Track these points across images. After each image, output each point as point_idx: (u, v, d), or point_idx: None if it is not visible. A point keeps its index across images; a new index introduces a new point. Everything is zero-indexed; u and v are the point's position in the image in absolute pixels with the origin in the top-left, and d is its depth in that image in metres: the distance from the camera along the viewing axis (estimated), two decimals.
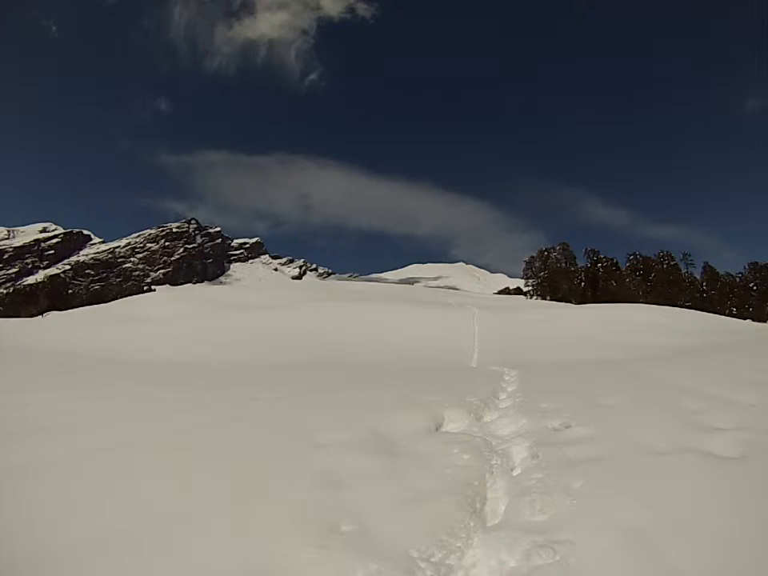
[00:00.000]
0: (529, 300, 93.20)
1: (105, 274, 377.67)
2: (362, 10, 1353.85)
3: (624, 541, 3.41)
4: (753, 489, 4.05)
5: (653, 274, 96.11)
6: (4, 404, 8.86)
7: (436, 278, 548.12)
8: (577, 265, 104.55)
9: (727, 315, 70.20)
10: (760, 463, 4.51)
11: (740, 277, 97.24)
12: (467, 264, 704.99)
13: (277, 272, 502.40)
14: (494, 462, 5.26)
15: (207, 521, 3.98)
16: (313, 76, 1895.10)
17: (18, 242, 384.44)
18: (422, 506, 4.18)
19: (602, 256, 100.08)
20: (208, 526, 3.91)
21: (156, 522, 3.98)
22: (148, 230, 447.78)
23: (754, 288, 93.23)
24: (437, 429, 6.72)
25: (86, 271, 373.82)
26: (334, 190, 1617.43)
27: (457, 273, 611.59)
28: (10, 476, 4.94)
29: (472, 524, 3.94)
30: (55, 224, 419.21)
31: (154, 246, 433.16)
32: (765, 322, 68.85)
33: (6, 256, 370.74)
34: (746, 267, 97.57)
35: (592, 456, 5.04)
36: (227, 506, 4.23)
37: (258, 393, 10.27)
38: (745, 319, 63.11)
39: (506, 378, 12.37)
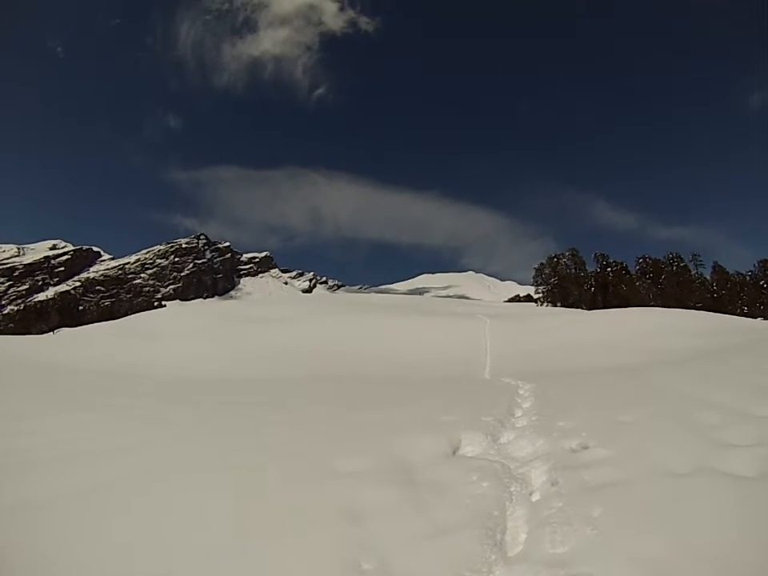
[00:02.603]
0: (539, 307, 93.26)
1: (115, 291, 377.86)
2: (365, 24, 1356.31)
3: (646, 575, 3.40)
4: None
5: (662, 277, 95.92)
6: (13, 431, 8.87)
7: (446, 288, 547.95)
8: (587, 270, 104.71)
9: (738, 314, 70.00)
10: None
11: (750, 275, 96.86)
12: (477, 273, 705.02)
13: (287, 285, 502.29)
14: (513, 488, 5.23)
15: (222, 560, 3.99)
16: (320, 90, 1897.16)
17: (28, 259, 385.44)
18: (444, 539, 4.16)
19: (612, 260, 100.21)
20: (223, 566, 3.92)
21: (172, 562, 3.99)
22: (158, 246, 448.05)
23: (765, 286, 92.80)
24: (454, 453, 6.69)
25: (97, 288, 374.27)
26: (344, 203, 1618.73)
27: (466, 282, 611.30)
28: (28, 513, 4.92)
29: (493, 557, 3.93)
30: (65, 241, 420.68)
31: (163, 262, 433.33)
32: None
33: (16, 273, 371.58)
34: (756, 265, 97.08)
35: (611, 480, 5.01)
36: (243, 543, 4.23)
37: (274, 415, 10.25)
38: (756, 318, 62.88)
39: (521, 393, 12.29)
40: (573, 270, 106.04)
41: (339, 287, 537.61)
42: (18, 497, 5.37)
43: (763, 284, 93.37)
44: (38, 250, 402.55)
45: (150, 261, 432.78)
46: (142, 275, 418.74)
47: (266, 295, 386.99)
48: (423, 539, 4.19)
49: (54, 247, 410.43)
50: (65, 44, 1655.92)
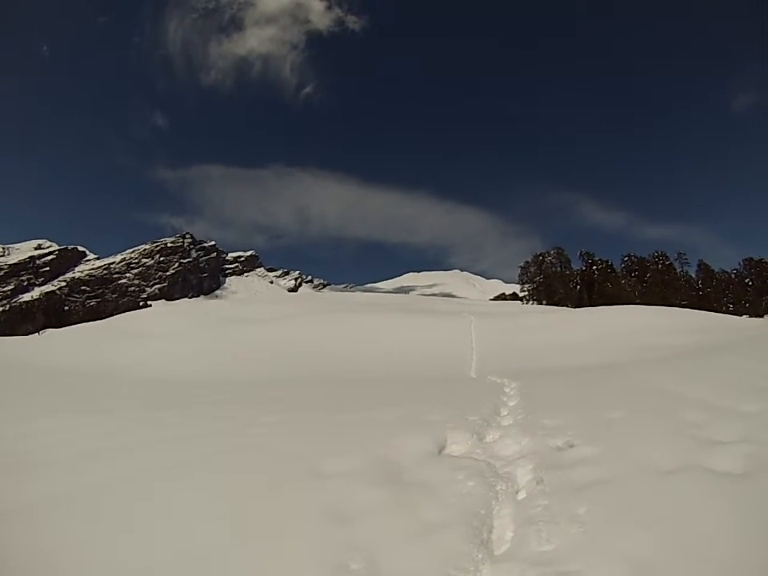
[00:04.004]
0: (525, 305, 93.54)
1: (100, 290, 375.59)
2: (352, 23, 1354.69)
3: (632, 571, 3.41)
4: (757, 509, 4.03)
5: (648, 275, 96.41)
6: (7, 433, 8.82)
7: (431, 286, 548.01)
8: (572, 268, 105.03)
9: (724, 312, 70.47)
10: (763, 479, 4.50)
11: (735, 273, 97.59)
12: (462, 271, 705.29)
13: (272, 285, 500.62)
14: (499, 487, 5.24)
15: (213, 562, 3.98)
16: (308, 89, 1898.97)
17: (12, 259, 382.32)
18: (431, 539, 4.18)
19: (597, 258, 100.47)
20: (214, 568, 3.91)
21: (163, 566, 3.96)
22: (143, 246, 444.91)
23: (750, 283, 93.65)
24: (440, 452, 6.69)
25: (82, 288, 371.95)
26: (331, 202, 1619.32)
27: (452, 280, 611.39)
28: (26, 515, 4.90)
29: (480, 556, 3.94)
30: (50, 240, 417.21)
31: (149, 261, 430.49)
32: (762, 317, 69.11)
33: (1, 273, 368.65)
34: (741, 263, 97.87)
35: (596, 478, 5.03)
36: (232, 545, 4.21)
37: (258, 416, 10.22)
38: (741, 315, 63.43)
39: (507, 391, 12.33)
40: (558, 269, 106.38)
41: (325, 286, 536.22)
42: (16, 499, 5.36)
43: (748, 282, 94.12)
44: (22, 250, 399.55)
45: (136, 260, 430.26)
46: (128, 275, 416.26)
47: (251, 294, 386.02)
48: (411, 538, 4.20)
49: (39, 247, 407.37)
50: (50, 42, 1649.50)
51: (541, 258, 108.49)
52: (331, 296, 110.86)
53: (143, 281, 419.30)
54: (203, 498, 5.31)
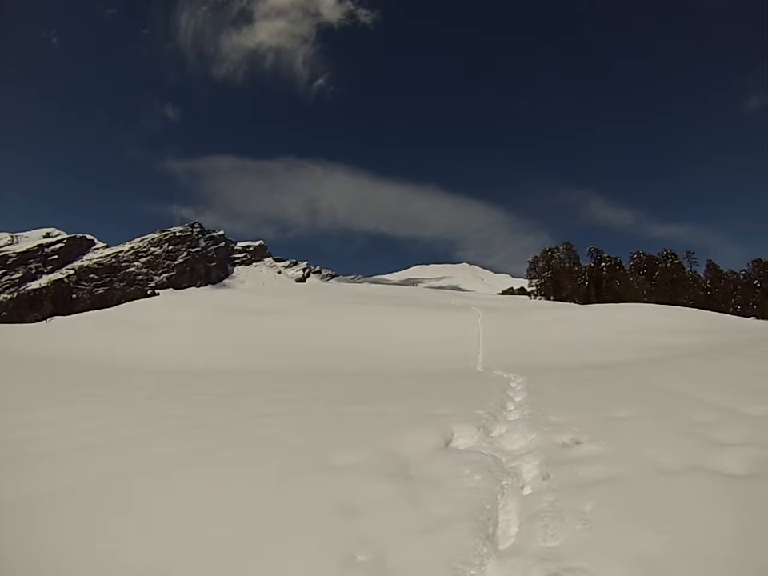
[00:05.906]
0: (532, 300, 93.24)
1: (108, 279, 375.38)
2: (363, 16, 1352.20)
3: (636, 569, 3.41)
4: (760, 510, 4.04)
5: (656, 273, 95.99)
6: (8, 423, 8.84)
7: (439, 279, 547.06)
8: (580, 264, 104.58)
9: (731, 313, 70.30)
10: (767, 481, 4.51)
11: (744, 274, 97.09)
12: (471, 265, 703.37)
13: (280, 275, 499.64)
14: (505, 482, 5.25)
15: (220, 554, 3.99)
16: (320, 81, 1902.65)
17: (21, 247, 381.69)
18: (437, 532, 4.18)
19: (606, 255, 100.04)
20: (222, 559, 3.92)
21: (170, 557, 3.97)
22: (151, 234, 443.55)
23: (758, 285, 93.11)
24: (446, 445, 6.71)
25: (90, 276, 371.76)
26: (341, 195, 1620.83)
27: (460, 273, 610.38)
28: (28, 507, 4.90)
29: (485, 551, 3.94)
30: (59, 229, 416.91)
31: (157, 250, 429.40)
32: None
33: (9, 261, 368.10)
34: (750, 264, 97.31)
35: (602, 476, 5.03)
36: (240, 537, 4.22)
37: (264, 408, 10.29)
38: (749, 317, 63.20)
39: (513, 386, 12.33)
40: (567, 264, 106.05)
41: (333, 277, 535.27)
42: (17, 491, 5.35)
43: (756, 283, 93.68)
44: (31, 238, 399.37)
45: (144, 249, 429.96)
46: (136, 263, 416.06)
47: (259, 284, 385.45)
48: (417, 532, 4.20)
49: (47, 235, 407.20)
50: (60, 34, 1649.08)
51: (549, 253, 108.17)
52: (339, 287, 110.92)
53: (151, 269, 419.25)
54: (208, 489, 5.34)
